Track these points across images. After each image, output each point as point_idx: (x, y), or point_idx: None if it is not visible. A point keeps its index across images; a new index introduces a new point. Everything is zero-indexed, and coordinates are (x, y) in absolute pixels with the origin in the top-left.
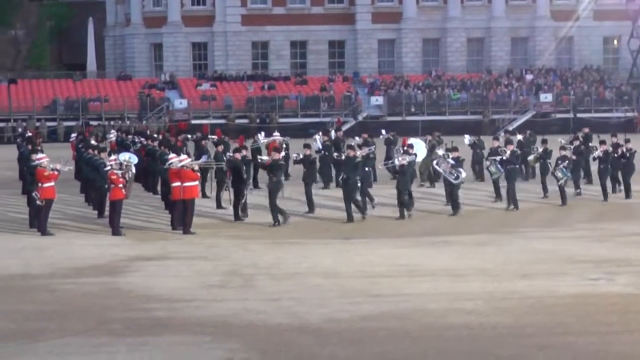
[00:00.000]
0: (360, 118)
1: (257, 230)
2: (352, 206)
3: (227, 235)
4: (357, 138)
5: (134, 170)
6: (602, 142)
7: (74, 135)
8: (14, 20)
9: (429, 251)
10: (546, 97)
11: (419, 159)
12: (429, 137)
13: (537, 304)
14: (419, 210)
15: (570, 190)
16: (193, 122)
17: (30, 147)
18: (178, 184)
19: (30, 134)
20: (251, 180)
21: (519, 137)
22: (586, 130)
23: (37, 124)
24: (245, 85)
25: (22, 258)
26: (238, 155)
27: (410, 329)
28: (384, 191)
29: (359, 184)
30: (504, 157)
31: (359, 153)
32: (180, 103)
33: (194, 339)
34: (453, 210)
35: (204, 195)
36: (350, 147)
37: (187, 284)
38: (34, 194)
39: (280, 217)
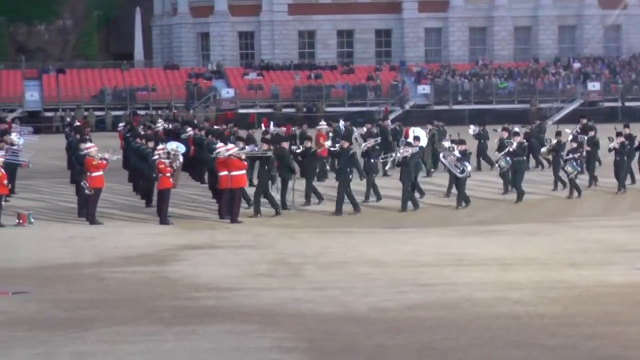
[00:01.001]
0: (407, 107)
1: (304, 219)
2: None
3: (274, 224)
4: (363, 128)
5: (181, 159)
6: (619, 134)
7: (121, 124)
8: (62, 10)
9: (477, 240)
10: (594, 86)
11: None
12: (430, 127)
13: (585, 294)
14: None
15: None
16: (240, 111)
17: (78, 136)
18: (225, 173)
19: (78, 123)
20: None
21: (567, 130)
22: (584, 120)
23: (85, 113)
24: (292, 75)
25: (71, 247)
26: (285, 144)
27: (458, 319)
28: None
29: (366, 175)
30: (510, 149)
31: (363, 144)
32: (227, 92)
33: (242, 328)
34: (462, 203)
35: (252, 184)
36: (344, 137)
37: (235, 273)
38: (82, 183)
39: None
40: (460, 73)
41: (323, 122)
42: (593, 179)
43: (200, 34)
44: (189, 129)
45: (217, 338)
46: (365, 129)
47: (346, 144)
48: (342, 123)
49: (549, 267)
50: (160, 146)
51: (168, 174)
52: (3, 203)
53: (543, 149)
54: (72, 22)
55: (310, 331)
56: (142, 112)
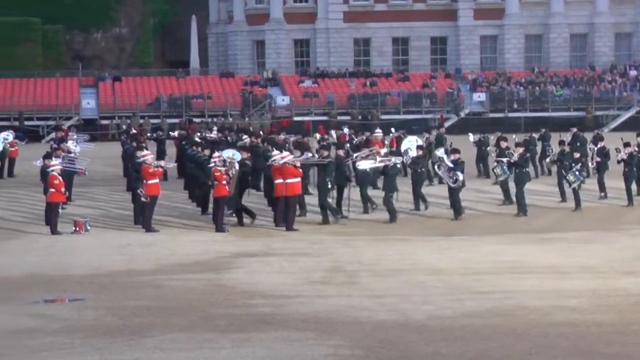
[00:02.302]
0: (462, 114)
1: (359, 227)
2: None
3: (329, 231)
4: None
5: (237, 167)
6: (627, 144)
7: (176, 132)
8: (118, 18)
9: (533, 248)
10: None
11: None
12: (427, 135)
13: None
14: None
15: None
16: (295, 118)
17: (135, 144)
18: (280, 180)
19: (135, 131)
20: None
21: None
22: (574, 130)
23: (141, 121)
24: (347, 82)
25: (127, 254)
26: (341, 152)
27: (515, 326)
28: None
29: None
30: (512, 160)
31: (355, 155)
32: (282, 100)
33: (298, 335)
34: (455, 215)
35: (307, 192)
36: (323, 147)
37: (291, 280)
38: (138, 190)
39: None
40: (515, 80)
41: (378, 130)
42: (604, 191)
43: (256, 42)
44: (245, 136)
45: (273, 345)
46: (425, 137)
47: (325, 153)
48: (334, 133)
49: (605, 275)
50: (216, 154)
51: (224, 182)
52: (60, 210)
53: (547, 159)
54: (128, 30)
55: (366, 339)
56: (197, 120)
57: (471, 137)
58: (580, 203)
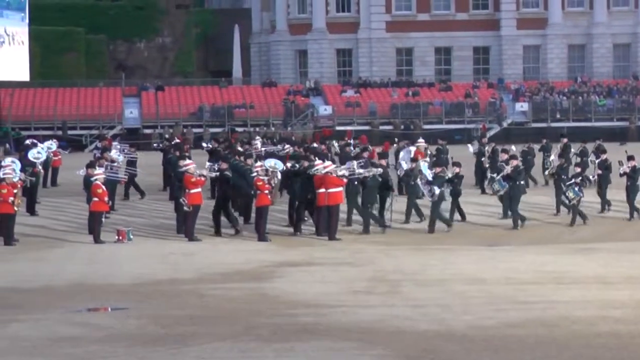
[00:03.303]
0: (505, 124)
1: (401, 236)
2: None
3: (371, 241)
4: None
5: (279, 177)
6: (631, 158)
7: (220, 140)
8: (161, 27)
9: (576, 258)
10: None
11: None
12: (426, 145)
13: None
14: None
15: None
16: (337, 128)
17: (178, 153)
18: (322, 190)
19: (177, 140)
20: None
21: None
22: (564, 140)
23: (184, 130)
24: (390, 92)
25: (170, 263)
26: (383, 162)
27: (558, 337)
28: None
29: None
30: (504, 173)
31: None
32: (324, 109)
33: (341, 345)
34: (429, 228)
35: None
36: (305, 157)
37: (333, 290)
38: (181, 200)
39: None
40: (558, 90)
41: (421, 140)
42: (606, 204)
43: (298, 51)
44: (287, 146)
45: (315, 355)
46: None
47: (305, 164)
48: (335, 143)
49: None
50: (259, 163)
51: (266, 191)
52: (103, 220)
53: (546, 172)
54: (171, 40)
55: (408, 348)
56: (239, 129)
57: (470, 147)
58: (586, 218)
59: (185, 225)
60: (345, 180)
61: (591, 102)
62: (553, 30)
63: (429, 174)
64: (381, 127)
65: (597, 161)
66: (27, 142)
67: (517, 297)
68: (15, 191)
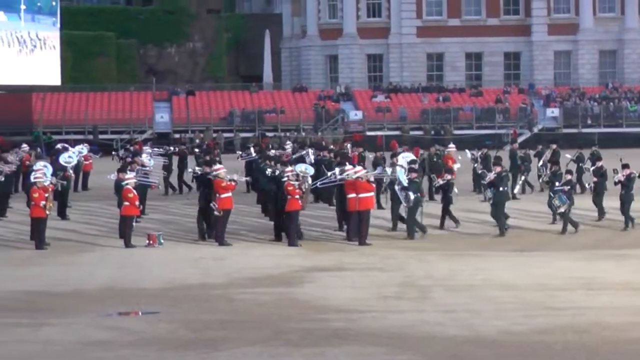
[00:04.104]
0: (535, 130)
1: (431, 242)
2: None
3: (402, 246)
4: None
5: (310, 182)
6: (625, 166)
7: (250, 146)
8: (192, 32)
9: (607, 264)
10: None
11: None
12: (422, 151)
13: None
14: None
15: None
16: (368, 133)
17: (208, 158)
18: (353, 195)
19: (208, 145)
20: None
21: (568, 156)
22: (554, 146)
23: (214, 135)
24: (420, 97)
25: (200, 268)
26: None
27: (588, 343)
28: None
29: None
30: (486, 180)
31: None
32: (355, 114)
33: (371, 350)
34: (408, 233)
35: (380, 207)
36: (213, 161)
37: (363, 295)
38: (212, 204)
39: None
40: (589, 96)
41: (452, 145)
42: (602, 212)
43: (329, 57)
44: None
45: None
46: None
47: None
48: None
49: None
50: (289, 168)
51: (297, 196)
52: (134, 224)
53: (540, 180)
54: (202, 45)
55: (439, 354)
56: (270, 134)
57: (468, 153)
58: (577, 225)
59: (215, 230)
60: (374, 185)
61: (622, 108)
62: (584, 36)
63: (404, 180)
64: (411, 133)
65: (592, 168)
66: (58, 146)
67: (547, 303)
68: (46, 195)
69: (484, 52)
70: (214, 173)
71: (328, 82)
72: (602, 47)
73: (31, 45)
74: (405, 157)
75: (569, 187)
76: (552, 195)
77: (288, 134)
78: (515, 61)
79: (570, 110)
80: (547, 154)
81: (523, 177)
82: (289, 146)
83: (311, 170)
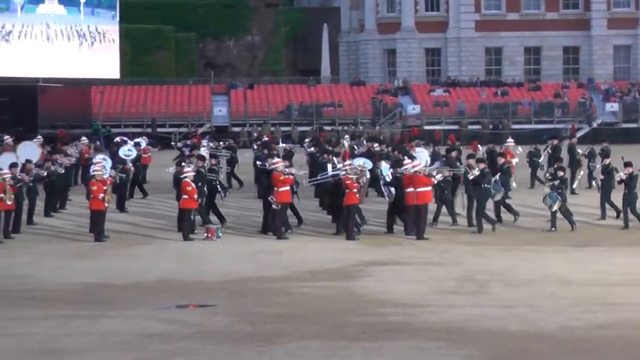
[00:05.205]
0: (594, 125)
1: (490, 236)
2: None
3: (460, 241)
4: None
5: (368, 175)
6: (627, 164)
7: (307, 140)
8: (250, 26)
9: None
10: None
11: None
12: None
13: None
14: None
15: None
16: (425, 127)
17: (266, 151)
18: (411, 189)
19: (266, 138)
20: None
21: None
22: (555, 142)
23: (272, 128)
24: (478, 91)
25: (257, 261)
26: (471, 162)
27: None
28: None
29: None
30: (470, 176)
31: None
32: (413, 109)
33: (429, 345)
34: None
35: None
36: (271, 155)
37: (421, 289)
38: (270, 198)
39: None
40: None
41: (510, 139)
42: (604, 211)
43: (387, 51)
44: (376, 145)
45: (404, 354)
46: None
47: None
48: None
49: None
50: (347, 162)
51: (355, 190)
52: (192, 217)
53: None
54: (260, 39)
55: (497, 349)
56: (328, 128)
57: (480, 149)
58: (574, 223)
59: (273, 223)
60: (434, 180)
61: None
62: None
63: (388, 175)
64: (470, 127)
65: (598, 166)
66: (117, 139)
67: (606, 298)
68: (105, 188)
69: (542, 46)
70: (272, 166)
71: (386, 76)
72: None
73: (91, 38)
74: (419, 152)
75: (559, 183)
76: (545, 193)
77: (346, 127)
78: (574, 55)
79: (630, 105)
80: (548, 150)
81: (582, 173)
82: (346, 140)
83: (369, 164)
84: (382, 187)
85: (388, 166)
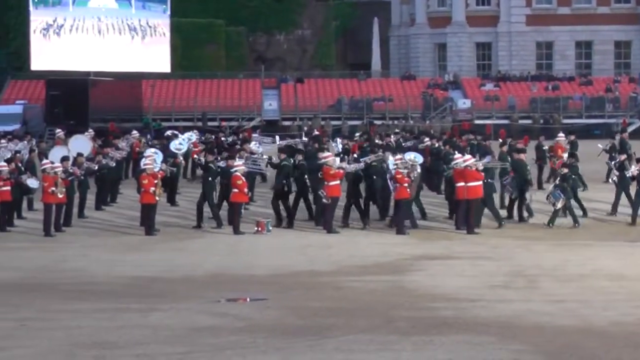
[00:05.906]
0: None
1: (541, 231)
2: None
3: (511, 235)
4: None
5: (419, 170)
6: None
7: (358, 134)
8: (301, 20)
9: None
10: None
11: None
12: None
13: None
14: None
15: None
16: (476, 122)
17: (317, 145)
18: (462, 183)
19: (317, 132)
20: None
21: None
22: (572, 137)
23: (322, 122)
24: (529, 86)
25: (308, 255)
26: (523, 156)
27: None
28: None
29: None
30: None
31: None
32: (463, 103)
33: (480, 339)
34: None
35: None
36: (322, 149)
37: (472, 284)
38: (320, 192)
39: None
40: None
41: (561, 134)
42: (615, 208)
43: (438, 45)
44: (427, 139)
45: (454, 349)
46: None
47: (282, 156)
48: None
49: None
50: (398, 156)
51: (405, 184)
52: (242, 211)
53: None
54: (310, 32)
55: (548, 344)
56: (378, 122)
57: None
58: (577, 221)
59: (323, 218)
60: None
61: None
62: None
63: (394, 170)
64: (520, 121)
65: (612, 163)
66: (168, 133)
67: None
68: (155, 181)
69: (594, 40)
70: (323, 160)
71: (436, 70)
72: None
73: (142, 32)
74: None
75: (561, 180)
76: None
77: (396, 122)
78: (625, 50)
79: None
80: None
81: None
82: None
83: (420, 159)
84: (388, 180)
85: (393, 160)
